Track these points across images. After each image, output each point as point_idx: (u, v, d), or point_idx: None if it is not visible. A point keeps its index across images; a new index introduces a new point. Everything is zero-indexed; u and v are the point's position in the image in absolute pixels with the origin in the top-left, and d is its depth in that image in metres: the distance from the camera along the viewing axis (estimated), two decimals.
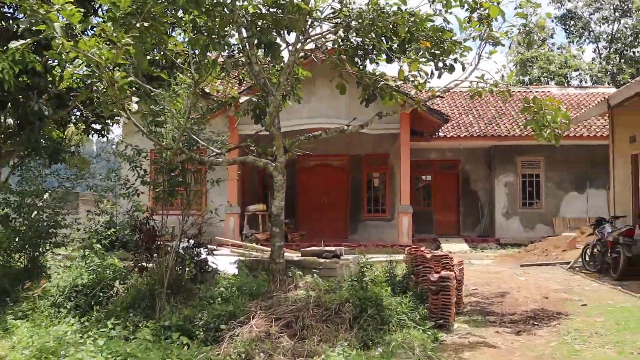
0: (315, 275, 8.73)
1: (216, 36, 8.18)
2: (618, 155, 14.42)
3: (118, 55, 6.64)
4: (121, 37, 6.65)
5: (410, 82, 9.16)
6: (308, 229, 22.26)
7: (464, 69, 10.26)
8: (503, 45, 10.47)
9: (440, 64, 9.92)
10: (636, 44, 33.86)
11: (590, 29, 35.41)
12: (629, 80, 16.42)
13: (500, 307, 9.45)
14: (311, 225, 22.51)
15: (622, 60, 33.44)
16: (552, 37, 36.62)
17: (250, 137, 10.51)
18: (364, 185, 22.71)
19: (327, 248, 9.83)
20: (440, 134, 21.82)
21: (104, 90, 7.42)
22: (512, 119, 22.88)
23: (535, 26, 35.75)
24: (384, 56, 9.00)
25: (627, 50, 34.02)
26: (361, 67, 9.32)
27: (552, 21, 36.15)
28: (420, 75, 8.85)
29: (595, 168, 22.29)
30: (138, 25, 7.09)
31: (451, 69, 9.98)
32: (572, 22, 35.62)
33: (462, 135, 21.80)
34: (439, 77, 10.05)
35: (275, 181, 8.68)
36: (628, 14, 33.17)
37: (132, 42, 6.86)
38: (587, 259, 14.28)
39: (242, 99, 9.61)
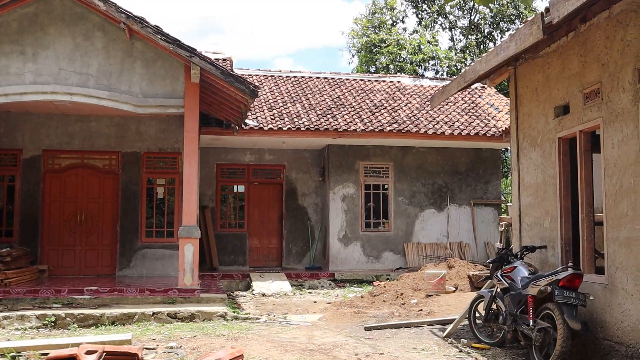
0: None
1: None
2: (528, 142, 8.49)
3: None
4: None
5: None
6: (55, 262, 14.62)
7: None
8: None
9: None
10: (495, 35, 29.94)
11: (446, 14, 30.91)
12: None
13: None
14: (61, 256, 14.84)
15: (481, 53, 29.28)
16: (404, 22, 31.65)
17: None
18: (143, 196, 15.34)
19: None
20: (253, 123, 15.29)
21: None
22: (353, 111, 16.97)
23: (385, 5, 30.73)
24: None
25: (486, 42, 29.97)
26: None
27: (402, 3, 31.25)
28: None
29: (458, 178, 17.18)
30: None
31: None
32: (425, 6, 30.95)
33: (285, 129, 15.46)
34: None
35: None
36: None
37: None
38: (478, 316, 8.31)
39: None
